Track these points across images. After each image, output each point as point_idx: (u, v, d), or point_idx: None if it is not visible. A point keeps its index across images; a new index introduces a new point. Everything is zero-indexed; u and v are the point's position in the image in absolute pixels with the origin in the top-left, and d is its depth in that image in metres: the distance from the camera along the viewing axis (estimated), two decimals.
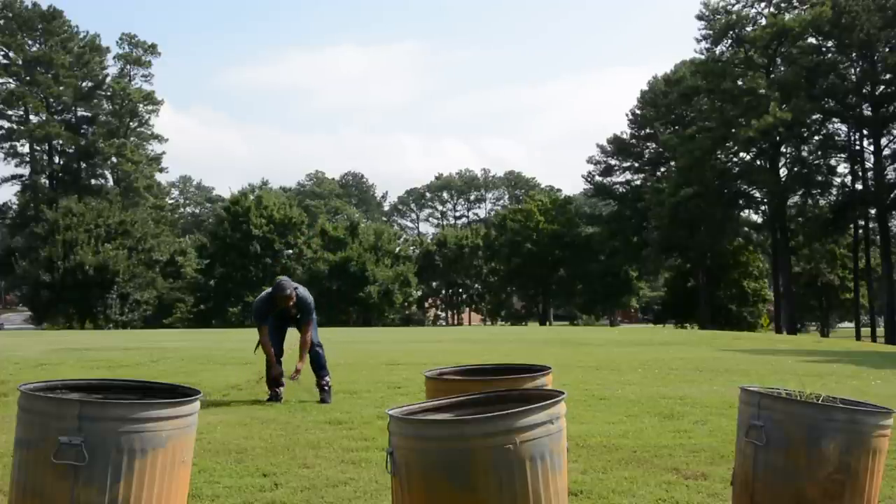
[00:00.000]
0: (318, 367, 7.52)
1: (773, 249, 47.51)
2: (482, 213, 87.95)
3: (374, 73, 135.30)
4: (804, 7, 44.10)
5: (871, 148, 43.88)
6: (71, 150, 55.45)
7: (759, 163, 46.86)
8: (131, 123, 56.89)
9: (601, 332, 27.37)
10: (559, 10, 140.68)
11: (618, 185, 58.37)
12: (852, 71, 44.06)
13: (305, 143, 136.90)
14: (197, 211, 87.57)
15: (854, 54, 43.06)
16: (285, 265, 51.19)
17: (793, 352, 15.64)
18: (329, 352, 7.81)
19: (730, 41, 46.21)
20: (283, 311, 7.43)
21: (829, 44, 44.28)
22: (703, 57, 47.33)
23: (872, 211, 43.83)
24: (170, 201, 68.73)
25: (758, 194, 48.44)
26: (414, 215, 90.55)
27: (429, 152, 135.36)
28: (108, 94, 56.58)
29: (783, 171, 46.38)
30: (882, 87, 42.78)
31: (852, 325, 52.52)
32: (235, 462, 4.83)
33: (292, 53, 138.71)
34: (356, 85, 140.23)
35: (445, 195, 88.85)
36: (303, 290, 7.49)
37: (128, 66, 58.09)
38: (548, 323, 59.48)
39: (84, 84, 55.57)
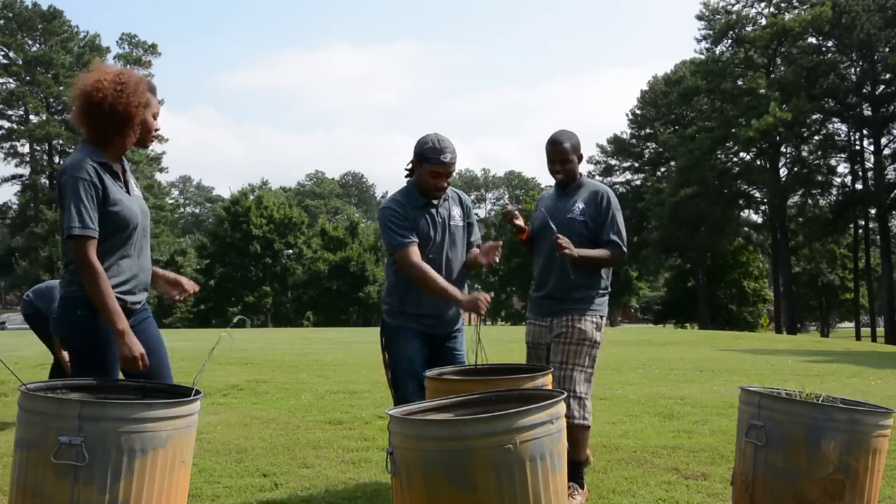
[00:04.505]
0: None
1: (773, 249, 47.53)
2: (482, 213, 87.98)
3: (371, 74, 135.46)
4: (804, 7, 44.10)
5: (871, 148, 43.91)
6: (71, 150, 55.41)
7: (759, 163, 46.85)
8: None
9: None
10: (558, 10, 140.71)
11: (618, 185, 58.36)
12: (852, 71, 44.06)
13: (304, 144, 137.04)
14: (197, 211, 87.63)
15: (854, 54, 43.06)
16: (285, 265, 51.24)
17: (793, 352, 15.64)
18: (330, 352, 7.76)
19: (730, 41, 46.19)
20: (437, 222, 4.01)
21: (829, 44, 44.29)
22: (703, 57, 47.31)
23: (872, 211, 43.82)
24: (170, 201, 68.68)
25: (758, 194, 48.45)
26: None
27: None
28: None
29: (783, 171, 46.38)
30: (882, 87, 42.77)
31: (852, 325, 52.53)
32: (235, 462, 4.83)
33: (288, 55, 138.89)
34: (352, 86, 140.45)
35: None
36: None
37: (128, 67, 58.02)
38: None
39: None
